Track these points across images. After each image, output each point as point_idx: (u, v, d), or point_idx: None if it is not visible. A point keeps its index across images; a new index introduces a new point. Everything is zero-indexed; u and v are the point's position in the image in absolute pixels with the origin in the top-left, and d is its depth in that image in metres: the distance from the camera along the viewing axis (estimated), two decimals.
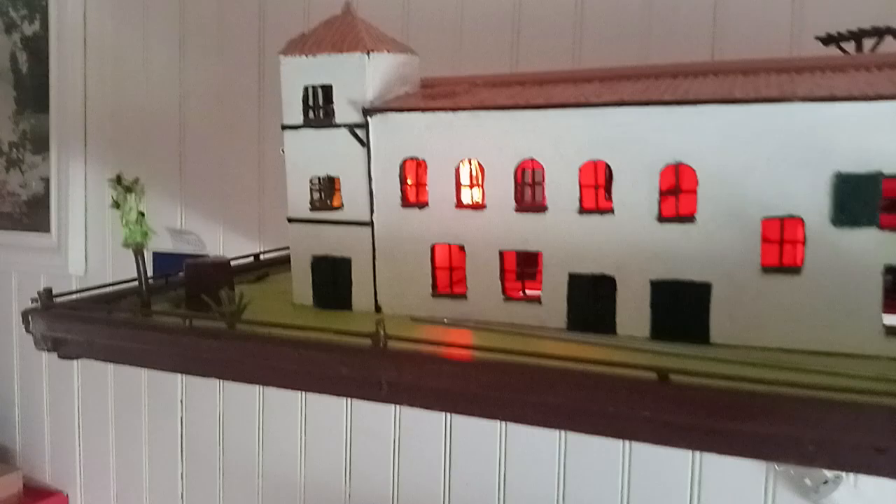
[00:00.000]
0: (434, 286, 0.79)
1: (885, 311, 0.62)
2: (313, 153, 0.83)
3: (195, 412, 1.64)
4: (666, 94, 0.68)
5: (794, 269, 0.65)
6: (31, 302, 0.81)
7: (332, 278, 0.84)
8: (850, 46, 0.84)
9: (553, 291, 0.73)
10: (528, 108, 0.73)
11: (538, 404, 0.56)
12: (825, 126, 0.62)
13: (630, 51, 1.14)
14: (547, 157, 0.73)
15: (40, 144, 1.80)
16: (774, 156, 0.64)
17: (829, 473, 1.05)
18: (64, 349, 0.79)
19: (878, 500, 1.03)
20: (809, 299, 0.64)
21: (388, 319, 0.78)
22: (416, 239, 0.79)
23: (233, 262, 1.02)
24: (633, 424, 0.53)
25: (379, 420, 1.41)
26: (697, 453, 1.14)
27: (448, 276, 0.80)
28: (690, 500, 1.15)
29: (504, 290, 0.76)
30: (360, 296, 0.82)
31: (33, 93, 1.80)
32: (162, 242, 1.61)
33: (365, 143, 0.80)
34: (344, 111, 0.81)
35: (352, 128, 0.80)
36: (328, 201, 0.84)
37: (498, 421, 1.12)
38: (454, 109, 0.76)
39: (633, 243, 0.69)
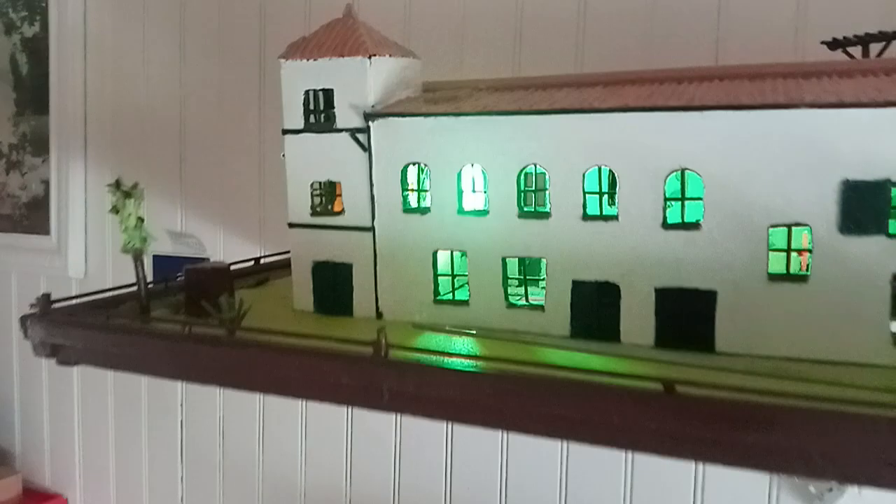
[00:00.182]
0: (436, 292, 0.78)
1: (893, 320, 0.62)
2: (314, 158, 0.83)
3: (195, 415, 1.64)
4: (671, 99, 0.68)
5: (801, 277, 0.64)
6: (30, 307, 0.81)
7: (333, 284, 0.83)
8: (855, 51, 0.83)
9: (556, 299, 0.73)
10: (531, 114, 0.72)
11: (542, 415, 0.55)
12: (832, 132, 0.61)
13: (633, 54, 1.13)
14: (550, 163, 0.72)
15: (40, 146, 1.79)
16: (781, 162, 0.63)
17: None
18: (62, 355, 0.78)
19: None
20: (816, 308, 0.63)
21: (389, 326, 0.77)
22: (417, 245, 0.78)
23: (233, 267, 1.02)
24: (638, 436, 0.53)
25: (380, 423, 1.41)
26: None
27: (450, 282, 0.79)
28: None
29: (506, 297, 0.75)
30: (362, 302, 0.82)
31: (33, 94, 1.80)
32: (162, 245, 1.60)
33: (366, 148, 0.79)
34: (345, 116, 0.80)
35: (353, 132, 0.80)
36: (329, 206, 0.83)
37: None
38: (457, 114, 0.75)
39: (637, 250, 0.69)
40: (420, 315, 0.78)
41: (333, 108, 0.81)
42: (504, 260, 0.75)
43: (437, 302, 0.78)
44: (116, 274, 1.69)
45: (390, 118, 0.78)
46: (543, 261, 0.73)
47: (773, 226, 0.64)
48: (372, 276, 0.81)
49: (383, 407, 0.60)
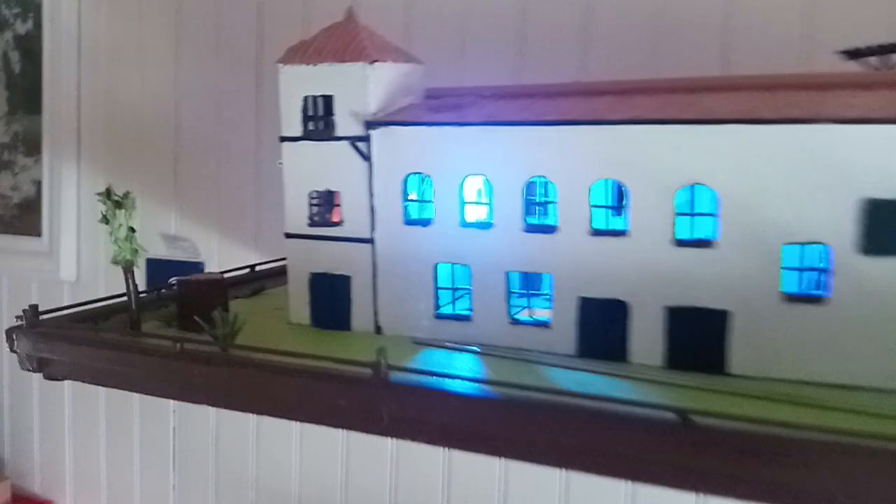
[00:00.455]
0: (437, 307, 0.76)
1: None
2: (313, 166, 0.80)
3: (188, 421, 1.61)
4: (684, 111, 0.65)
5: (818, 299, 0.62)
6: (17, 319, 0.78)
7: (331, 297, 0.80)
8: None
9: (562, 316, 0.70)
10: (538, 124, 0.69)
11: (550, 444, 0.53)
12: (853, 148, 0.59)
13: (638, 61, 1.11)
14: (557, 175, 0.69)
15: (32, 146, 1.76)
16: (798, 178, 0.61)
17: None
18: (49, 370, 0.75)
19: None
20: (834, 330, 0.61)
21: (388, 341, 0.75)
22: (418, 257, 0.76)
23: (227, 275, 0.99)
24: (651, 468, 0.50)
25: None
26: None
27: (452, 297, 0.76)
28: None
29: (510, 313, 0.73)
30: (360, 316, 0.79)
31: (26, 93, 1.76)
32: (156, 249, 1.57)
33: (367, 157, 0.77)
34: (345, 123, 0.77)
35: (353, 141, 0.77)
36: (327, 217, 0.81)
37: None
38: (461, 123, 0.72)
39: (647, 267, 0.66)
40: (420, 330, 0.76)
41: (333, 115, 0.78)
42: (508, 274, 0.73)
43: (439, 317, 0.76)
44: (109, 278, 1.66)
45: (392, 126, 0.75)
46: (549, 276, 0.71)
47: (788, 244, 0.62)
48: (371, 289, 0.78)
49: (382, 432, 0.58)
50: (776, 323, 0.63)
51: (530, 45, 1.20)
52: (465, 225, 0.74)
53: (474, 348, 0.72)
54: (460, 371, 0.64)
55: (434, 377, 0.58)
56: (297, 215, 0.81)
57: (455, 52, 1.25)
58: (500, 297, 0.73)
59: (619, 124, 0.66)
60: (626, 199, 0.67)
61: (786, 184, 0.61)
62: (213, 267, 1.52)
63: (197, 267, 1.53)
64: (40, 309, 0.79)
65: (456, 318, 0.75)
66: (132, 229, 0.74)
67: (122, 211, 0.72)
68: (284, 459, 1.48)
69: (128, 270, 0.75)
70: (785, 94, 0.68)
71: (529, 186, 0.71)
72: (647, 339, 0.67)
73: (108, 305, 0.84)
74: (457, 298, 0.76)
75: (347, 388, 0.59)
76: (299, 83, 0.79)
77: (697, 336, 0.65)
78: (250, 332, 0.72)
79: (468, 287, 0.74)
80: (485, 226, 0.73)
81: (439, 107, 0.78)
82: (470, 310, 0.74)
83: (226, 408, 0.68)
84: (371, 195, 0.77)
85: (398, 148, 0.75)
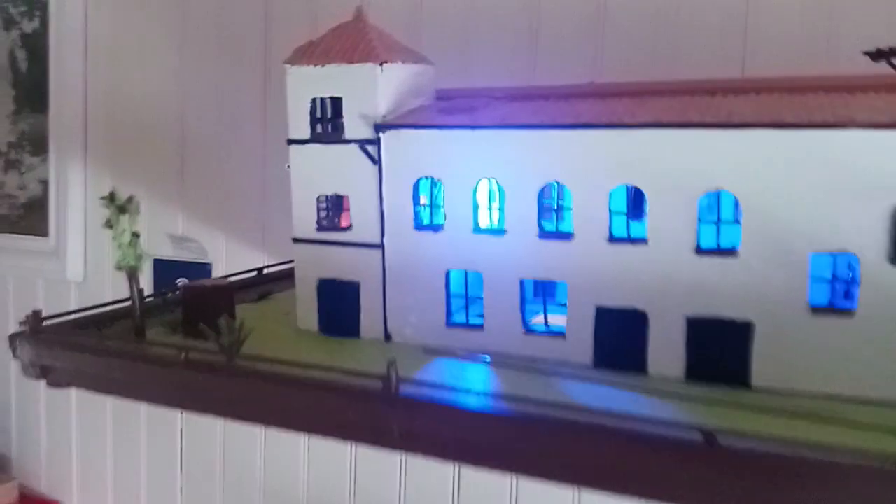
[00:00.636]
0: (449, 315, 0.74)
1: None
2: (321, 170, 0.78)
3: (196, 423, 1.59)
4: (707, 114, 0.63)
5: (847, 311, 0.59)
6: (19, 325, 0.76)
7: (340, 303, 0.78)
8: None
9: (578, 325, 0.68)
10: (554, 127, 0.67)
11: (566, 463, 0.51)
12: (885, 155, 0.56)
13: (653, 60, 1.08)
14: (574, 180, 0.67)
15: (39, 145, 1.75)
16: (826, 185, 0.58)
17: None
18: (53, 377, 0.74)
19: None
20: (862, 343, 0.59)
21: (398, 350, 0.73)
22: (429, 264, 0.74)
23: (234, 278, 0.98)
24: (675, 489, 0.48)
25: None
26: None
27: (464, 304, 0.74)
28: None
29: (524, 322, 0.71)
30: (369, 323, 0.77)
31: (32, 92, 1.75)
32: (162, 249, 1.56)
33: (376, 161, 0.75)
34: (354, 126, 0.75)
35: (362, 144, 0.75)
36: (336, 221, 0.79)
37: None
38: (474, 126, 0.70)
39: (667, 276, 0.64)
40: (431, 339, 0.74)
41: (342, 117, 0.76)
42: (522, 282, 0.70)
43: (450, 325, 0.74)
44: (117, 278, 1.64)
45: (402, 129, 0.73)
46: (564, 284, 0.69)
47: (815, 253, 0.59)
48: (381, 295, 0.76)
49: (393, 446, 0.56)
50: (801, 334, 0.60)
51: (542, 44, 1.17)
52: (478, 231, 0.72)
53: (486, 358, 0.70)
54: (473, 383, 0.62)
55: (447, 391, 0.56)
56: (305, 219, 0.79)
57: (464, 52, 1.22)
58: (513, 306, 0.71)
59: (639, 128, 0.63)
60: (646, 206, 0.64)
61: (813, 190, 0.59)
62: (220, 268, 1.51)
63: (204, 268, 1.52)
64: (45, 310, 0.78)
65: (468, 327, 0.73)
66: (136, 234, 0.72)
67: (126, 216, 0.70)
68: (292, 464, 1.47)
69: (132, 276, 0.74)
70: (809, 97, 0.66)
71: (544, 191, 0.69)
72: (666, 350, 0.65)
73: (114, 310, 0.83)
74: (469, 306, 0.74)
75: (357, 401, 0.57)
76: (307, 84, 0.77)
77: (719, 348, 0.63)
78: (257, 338, 0.70)
79: (480, 295, 0.72)
80: (498, 231, 0.71)
81: (451, 109, 0.76)
82: (482, 318, 0.72)
83: (231, 419, 0.66)
84: (381, 200, 0.75)
85: (409, 151, 0.73)
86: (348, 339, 0.78)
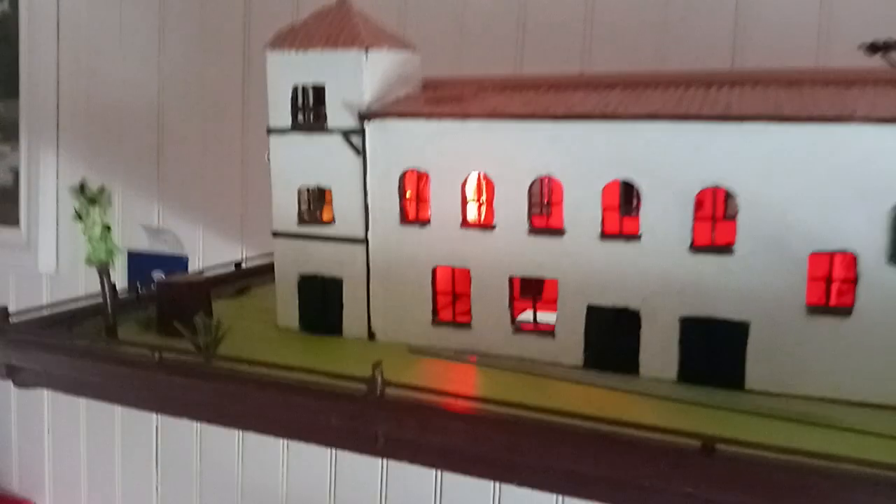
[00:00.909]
0: (435, 313, 0.71)
1: None
2: (302, 161, 0.75)
3: (172, 420, 1.55)
4: (704, 107, 0.61)
5: (844, 311, 0.58)
6: None
7: (321, 300, 0.76)
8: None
9: (568, 324, 0.66)
10: (546, 119, 0.65)
11: (559, 471, 0.49)
12: (887, 152, 0.55)
13: (644, 51, 1.06)
14: (566, 174, 0.65)
15: (10, 132, 1.69)
16: (826, 182, 0.57)
17: None
18: (19, 377, 0.70)
19: None
20: (861, 344, 0.57)
21: (382, 349, 0.70)
22: (415, 260, 0.71)
23: (211, 273, 0.94)
24: (671, 499, 0.46)
25: None
26: None
27: (451, 302, 0.72)
28: None
29: (513, 321, 0.68)
30: (352, 321, 0.75)
31: (2, 77, 1.69)
32: (137, 241, 1.51)
33: (360, 152, 0.72)
34: (337, 115, 0.72)
35: (346, 134, 0.72)
36: (318, 215, 0.76)
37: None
38: (463, 117, 0.68)
39: (661, 274, 0.62)
40: (417, 337, 0.71)
41: (324, 105, 0.73)
42: (511, 279, 0.68)
43: (436, 323, 0.71)
44: (90, 271, 1.60)
45: (388, 119, 0.70)
46: (555, 282, 0.66)
47: (814, 253, 0.58)
48: (364, 292, 0.74)
49: (377, 453, 0.54)
50: (799, 336, 0.59)
51: (531, 33, 1.15)
52: (466, 226, 0.69)
53: (473, 357, 0.67)
54: (461, 385, 0.60)
55: (433, 394, 0.54)
56: (286, 213, 0.76)
57: (452, 40, 1.19)
58: (502, 304, 0.68)
59: (633, 120, 0.61)
60: (640, 201, 0.62)
61: (812, 187, 0.57)
62: (197, 261, 1.47)
63: (181, 261, 1.48)
64: (16, 303, 0.74)
65: (455, 325, 0.71)
66: (108, 227, 0.69)
67: (97, 207, 0.67)
68: (271, 462, 1.44)
69: (103, 271, 0.70)
70: (807, 90, 0.64)
71: (535, 186, 0.67)
72: (659, 351, 0.63)
73: (85, 307, 0.79)
74: (456, 304, 0.72)
75: (340, 405, 0.55)
76: (288, 71, 0.74)
77: (714, 349, 0.61)
78: (235, 337, 0.67)
79: (468, 292, 0.70)
80: (487, 227, 0.68)
81: (438, 99, 0.73)
82: (470, 316, 0.70)
83: (208, 422, 0.63)
84: (365, 192, 0.72)
85: (394, 142, 0.71)
86: (330, 337, 0.75)
